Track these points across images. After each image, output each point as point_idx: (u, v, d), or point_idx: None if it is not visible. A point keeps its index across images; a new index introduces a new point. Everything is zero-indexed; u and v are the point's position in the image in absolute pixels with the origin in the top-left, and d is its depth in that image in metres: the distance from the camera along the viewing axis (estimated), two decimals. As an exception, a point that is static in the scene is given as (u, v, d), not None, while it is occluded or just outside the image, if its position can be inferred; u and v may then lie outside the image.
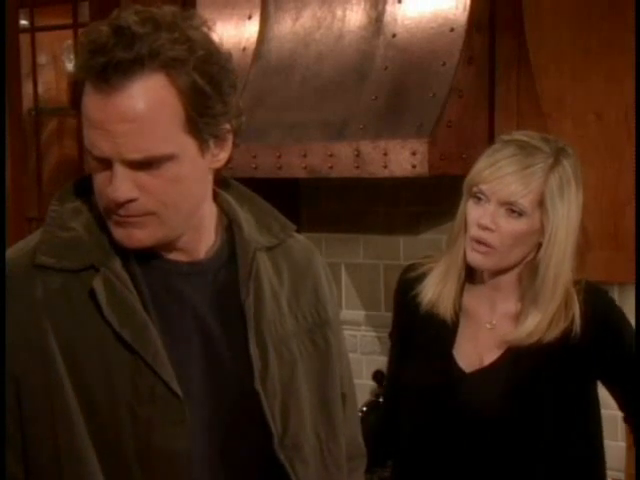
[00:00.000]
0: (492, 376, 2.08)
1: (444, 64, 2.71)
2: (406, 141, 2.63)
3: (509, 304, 2.12)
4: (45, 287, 1.42)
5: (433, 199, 3.21)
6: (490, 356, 2.10)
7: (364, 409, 3.25)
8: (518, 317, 2.09)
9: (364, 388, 3.29)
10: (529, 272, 2.08)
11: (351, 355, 3.44)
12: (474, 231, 2.04)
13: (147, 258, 1.47)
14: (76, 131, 3.99)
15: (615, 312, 2.13)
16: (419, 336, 2.17)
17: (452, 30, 2.72)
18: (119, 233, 1.43)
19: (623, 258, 2.53)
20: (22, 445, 1.41)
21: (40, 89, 4.04)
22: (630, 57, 2.49)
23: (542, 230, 2.04)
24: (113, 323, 1.41)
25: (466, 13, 2.71)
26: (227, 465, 1.48)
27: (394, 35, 2.83)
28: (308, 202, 3.46)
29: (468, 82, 2.74)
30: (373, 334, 3.39)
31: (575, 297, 2.06)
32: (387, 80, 2.80)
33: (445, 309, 2.12)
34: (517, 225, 2.02)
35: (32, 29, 4.01)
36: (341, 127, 2.79)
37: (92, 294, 1.42)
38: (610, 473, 2.26)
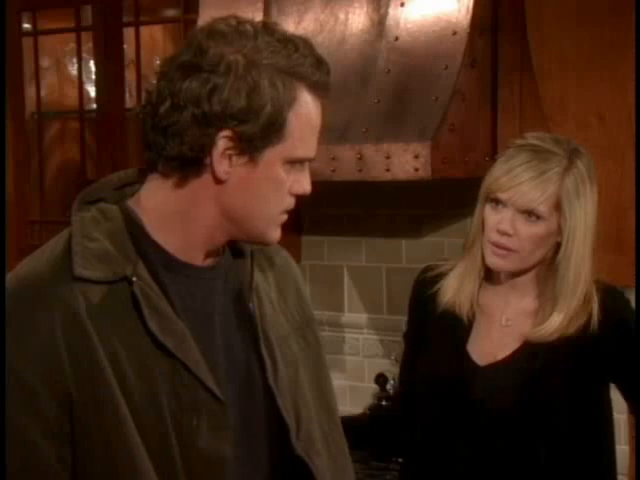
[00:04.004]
0: (506, 369, 2.10)
1: (446, 67, 2.71)
2: (409, 144, 2.63)
3: (525, 301, 2.14)
4: (85, 298, 1.40)
5: (435, 202, 3.21)
6: (504, 351, 2.12)
7: (367, 412, 3.26)
8: (535, 314, 2.12)
9: (366, 391, 3.29)
10: (547, 271, 2.10)
11: (353, 358, 3.47)
12: (493, 237, 2.07)
13: (171, 266, 1.47)
14: (78, 134, 4.00)
15: (630, 312, 2.16)
16: (434, 333, 2.19)
17: (454, 33, 2.72)
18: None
19: (626, 261, 2.52)
20: (73, 465, 1.38)
21: (43, 92, 4.04)
22: (632, 60, 2.49)
23: (559, 230, 2.06)
24: (156, 332, 1.41)
25: (469, 16, 2.71)
26: (254, 463, 1.51)
27: (396, 38, 2.83)
28: (310, 205, 3.45)
29: (471, 85, 2.74)
30: (375, 337, 3.39)
31: (594, 295, 2.08)
32: (390, 83, 2.80)
33: (462, 307, 2.14)
34: (535, 229, 2.05)
35: (35, 32, 4.01)
36: (344, 130, 2.79)
37: (135, 304, 1.41)
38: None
